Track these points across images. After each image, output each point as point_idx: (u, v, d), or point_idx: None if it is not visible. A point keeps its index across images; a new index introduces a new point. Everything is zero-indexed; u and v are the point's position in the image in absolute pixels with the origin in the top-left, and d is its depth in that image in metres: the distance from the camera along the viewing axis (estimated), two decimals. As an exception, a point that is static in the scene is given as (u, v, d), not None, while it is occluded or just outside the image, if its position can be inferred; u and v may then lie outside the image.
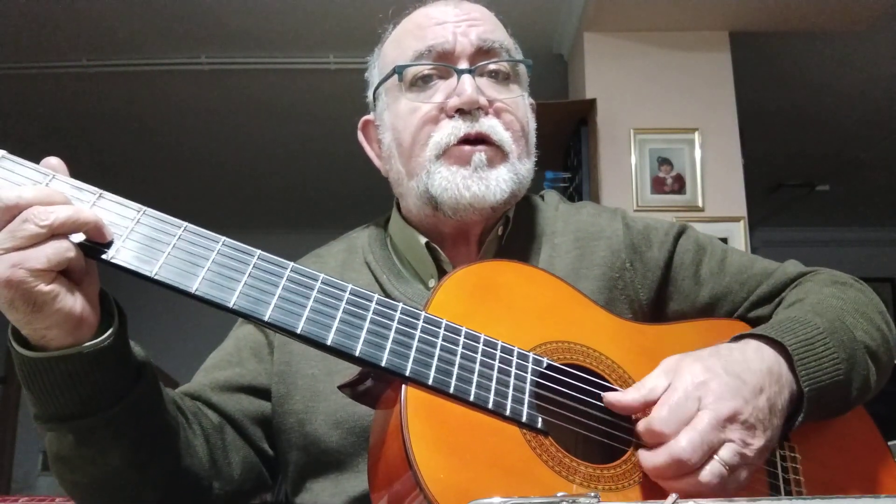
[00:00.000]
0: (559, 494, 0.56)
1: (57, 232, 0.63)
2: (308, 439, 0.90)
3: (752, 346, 0.79)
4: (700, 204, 2.99)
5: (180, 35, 3.23)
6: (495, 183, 0.93)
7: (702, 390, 0.70)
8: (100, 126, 3.91)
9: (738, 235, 2.94)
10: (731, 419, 0.69)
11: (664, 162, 3.03)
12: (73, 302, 0.65)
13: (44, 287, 0.62)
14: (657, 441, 0.69)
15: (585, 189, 3.00)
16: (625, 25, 3.09)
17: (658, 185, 3.01)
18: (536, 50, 3.38)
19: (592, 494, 0.55)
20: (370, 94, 1.06)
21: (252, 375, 0.96)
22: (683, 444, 0.67)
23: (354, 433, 0.88)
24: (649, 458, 0.70)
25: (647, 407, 0.73)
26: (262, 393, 0.96)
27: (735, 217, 2.98)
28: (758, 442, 0.70)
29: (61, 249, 0.63)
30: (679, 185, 3.01)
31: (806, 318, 0.83)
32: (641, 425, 0.72)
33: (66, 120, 3.82)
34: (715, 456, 0.67)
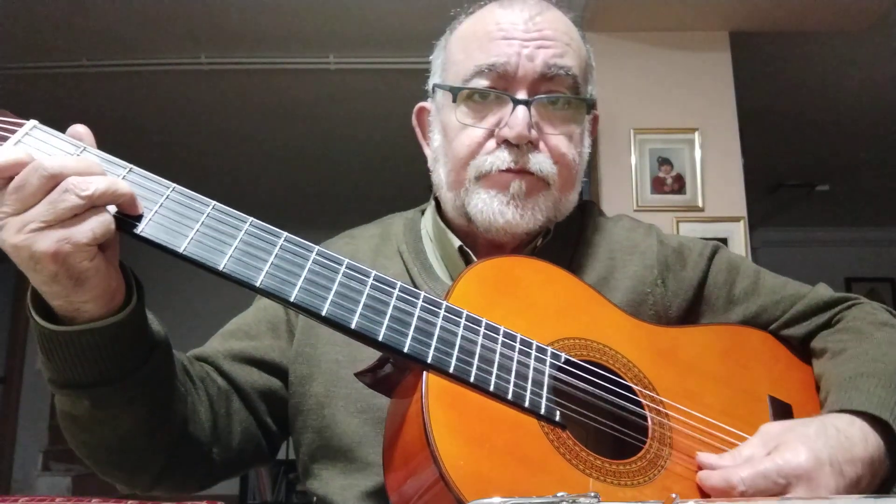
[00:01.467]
0: (559, 494, 0.56)
1: (96, 203, 0.63)
2: (325, 422, 0.91)
3: (857, 428, 0.76)
4: (700, 204, 2.99)
5: (180, 35, 3.23)
6: (531, 213, 0.92)
7: (801, 477, 0.69)
8: (100, 126, 3.88)
9: (738, 235, 2.94)
10: None
11: (664, 162, 3.03)
12: (110, 275, 0.66)
13: (88, 262, 0.63)
14: (725, 492, 0.69)
15: (585, 189, 3.00)
16: (625, 25, 3.09)
17: (658, 185, 3.01)
18: (536, 50, 3.37)
19: (592, 494, 0.56)
20: (430, 81, 1.04)
21: (265, 350, 0.97)
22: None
23: (371, 423, 0.88)
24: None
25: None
26: (272, 368, 0.97)
27: (735, 217, 2.98)
28: None
29: (105, 222, 0.63)
30: (679, 185, 3.01)
31: (887, 380, 0.80)
32: (719, 473, 0.71)
33: (66, 120, 3.80)
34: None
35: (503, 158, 0.91)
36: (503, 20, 0.94)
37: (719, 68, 3.11)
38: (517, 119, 0.90)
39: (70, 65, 3.37)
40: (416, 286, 0.96)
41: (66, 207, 0.61)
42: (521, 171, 0.91)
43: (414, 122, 1.08)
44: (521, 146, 0.90)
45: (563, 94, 0.93)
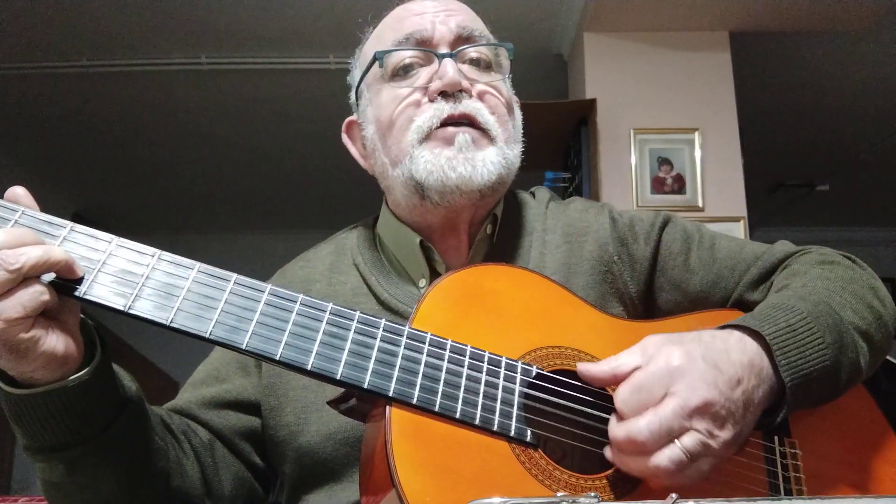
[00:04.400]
0: (559, 494, 0.56)
1: (28, 275, 0.61)
2: (301, 451, 0.90)
3: (736, 336, 0.76)
4: (700, 204, 2.98)
5: (180, 35, 3.23)
6: (482, 164, 0.90)
7: (675, 375, 0.69)
8: (100, 126, 3.91)
9: (738, 235, 2.94)
10: (701, 409, 0.67)
11: (664, 162, 3.03)
12: (55, 342, 0.65)
13: (24, 335, 0.62)
14: (620, 417, 0.69)
15: (585, 189, 2.99)
16: (625, 25, 3.09)
17: (658, 185, 3.01)
18: (536, 50, 3.38)
19: (592, 494, 0.55)
20: (352, 94, 1.06)
21: (238, 391, 0.96)
22: (641, 426, 0.66)
23: (348, 444, 0.87)
24: (612, 428, 0.70)
25: (615, 381, 0.73)
26: (249, 407, 0.96)
27: (735, 217, 2.98)
28: (725, 434, 0.69)
29: (36, 294, 0.62)
30: (679, 185, 3.01)
31: (789, 304, 0.80)
32: (622, 425, 0.70)
33: (66, 120, 3.82)
34: (676, 441, 0.66)
35: (441, 108, 0.92)
36: (410, 5, 1.00)
37: (719, 68, 3.11)
38: (446, 69, 0.93)
39: (70, 65, 3.37)
40: (375, 295, 0.95)
41: None
42: (463, 119, 0.92)
43: (344, 137, 1.08)
44: (455, 94, 0.92)
45: (482, 44, 0.97)
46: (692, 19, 3.05)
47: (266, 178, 4.68)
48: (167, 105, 3.79)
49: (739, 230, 2.95)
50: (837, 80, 3.65)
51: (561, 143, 3.22)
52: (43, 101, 3.65)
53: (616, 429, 0.69)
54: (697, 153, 3.02)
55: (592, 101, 3.01)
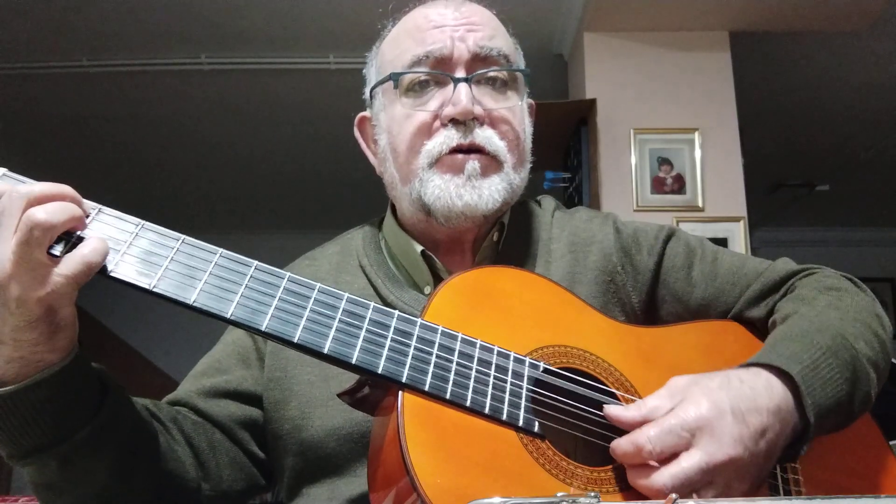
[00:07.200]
0: (559, 494, 0.56)
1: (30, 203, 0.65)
2: (304, 445, 0.90)
3: (763, 378, 0.76)
4: (700, 204, 2.98)
5: (180, 35, 3.23)
6: (488, 193, 0.92)
7: (703, 427, 0.69)
8: (100, 126, 3.91)
9: (738, 235, 2.94)
10: (725, 466, 0.68)
11: (664, 162, 3.03)
12: (76, 324, 0.69)
13: (67, 308, 0.66)
14: (636, 456, 0.68)
15: (585, 189, 2.99)
16: (625, 25, 3.09)
17: (658, 185, 3.01)
18: (536, 50, 3.38)
19: (592, 494, 0.56)
20: (367, 91, 1.06)
21: (238, 382, 0.97)
22: (665, 478, 0.66)
23: (352, 440, 0.87)
24: (635, 475, 0.69)
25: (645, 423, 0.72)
26: (248, 398, 0.96)
27: (735, 217, 2.97)
28: (744, 486, 0.69)
29: (70, 207, 0.66)
30: (679, 185, 3.01)
31: (808, 338, 0.80)
32: (627, 437, 0.70)
33: (66, 120, 3.82)
34: (694, 495, 0.66)
35: (451, 136, 0.92)
36: (431, 13, 0.98)
37: (719, 68, 3.11)
38: (460, 95, 0.92)
39: (70, 65, 3.36)
40: (381, 298, 0.96)
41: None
42: (472, 149, 0.92)
43: (356, 133, 1.08)
44: (466, 122, 0.92)
45: (500, 66, 0.96)
46: (692, 19, 3.05)
47: (265, 178, 4.69)
48: (167, 105, 3.79)
49: (739, 230, 2.95)
50: (837, 81, 3.65)
51: (561, 143, 3.22)
52: (43, 101, 3.65)
53: (639, 476, 0.68)
54: (697, 153, 3.02)
55: (592, 101, 3.01)
